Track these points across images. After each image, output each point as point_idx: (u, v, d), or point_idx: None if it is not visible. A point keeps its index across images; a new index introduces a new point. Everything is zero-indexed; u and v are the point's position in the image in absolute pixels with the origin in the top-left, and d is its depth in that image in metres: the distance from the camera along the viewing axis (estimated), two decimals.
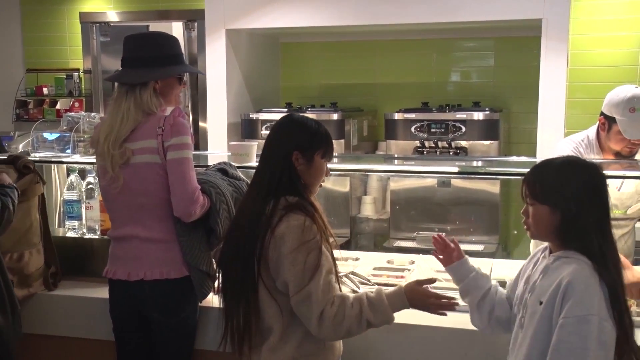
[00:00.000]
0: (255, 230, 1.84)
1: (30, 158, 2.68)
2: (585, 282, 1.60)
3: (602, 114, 2.73)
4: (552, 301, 1.63)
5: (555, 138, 3.64)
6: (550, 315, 1.63)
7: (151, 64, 2.22)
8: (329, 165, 2.00)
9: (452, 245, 1.95)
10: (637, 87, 2.69)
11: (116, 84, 2.28)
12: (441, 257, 1.96)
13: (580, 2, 4.16)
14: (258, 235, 1.83)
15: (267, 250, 1.82)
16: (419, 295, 1.87)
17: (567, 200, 1.66)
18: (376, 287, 2.04)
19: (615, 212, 2.73)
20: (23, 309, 2.42)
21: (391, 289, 1.90)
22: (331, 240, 1.91)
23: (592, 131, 2.80)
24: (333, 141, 1.98)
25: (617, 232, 2.53)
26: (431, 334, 2.14)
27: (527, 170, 1.77)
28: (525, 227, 1.76)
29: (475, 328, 2.01)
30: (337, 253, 1.91)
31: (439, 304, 1.88)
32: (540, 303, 1.66)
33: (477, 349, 2.10)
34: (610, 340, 1.58)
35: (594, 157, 2.74)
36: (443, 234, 1.96)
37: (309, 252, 1.79)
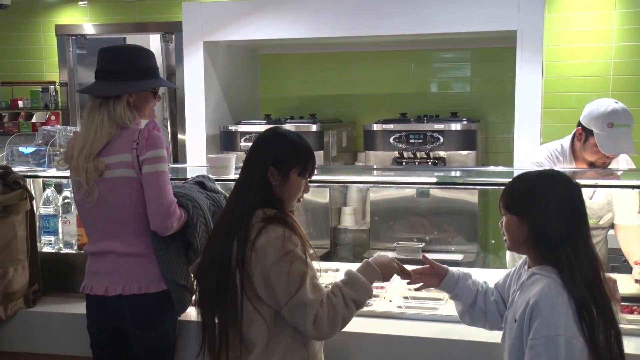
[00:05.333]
0: (231, 243, 1.83)
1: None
2: (551, 302, 1.59)
3: (579, 124, 2.73)
4: (522, 320, 1.64)
5: (532, 147, 3.67)
6: (522, 333, 1.65)
7: (125, 77, 2.20)
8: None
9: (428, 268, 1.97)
10: (616, 102, 2.68)
11: (89, 96, 2.26)
12: (421, 283, 1.99)
13: (554, 14, 4.23)
14: (238, 247, 1.82)
15: (249, 264, 1.81)
16: (385, 262, 1.94)
17: (533, 211, 1.66)
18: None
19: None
20: (2, 327, 2.36)
21: (358, 265, 1.95)
22: (311, 252, 1.90)
23: (566, 141, 2.83)
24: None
25: None
26: (412, 345, 2.14)
27: (505, 179, 1.78)
28: (504, 238, 1.78)
29: (455, 338, 2.04)
30: (316, 265, 1.90)
31: (403, 269, 1.97)
32: (515, 321, 1.67)
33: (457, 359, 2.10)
34: (579, 357, 1.58)
35: (567, 166, 2.77)
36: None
37: (292, 262, 1.79)
